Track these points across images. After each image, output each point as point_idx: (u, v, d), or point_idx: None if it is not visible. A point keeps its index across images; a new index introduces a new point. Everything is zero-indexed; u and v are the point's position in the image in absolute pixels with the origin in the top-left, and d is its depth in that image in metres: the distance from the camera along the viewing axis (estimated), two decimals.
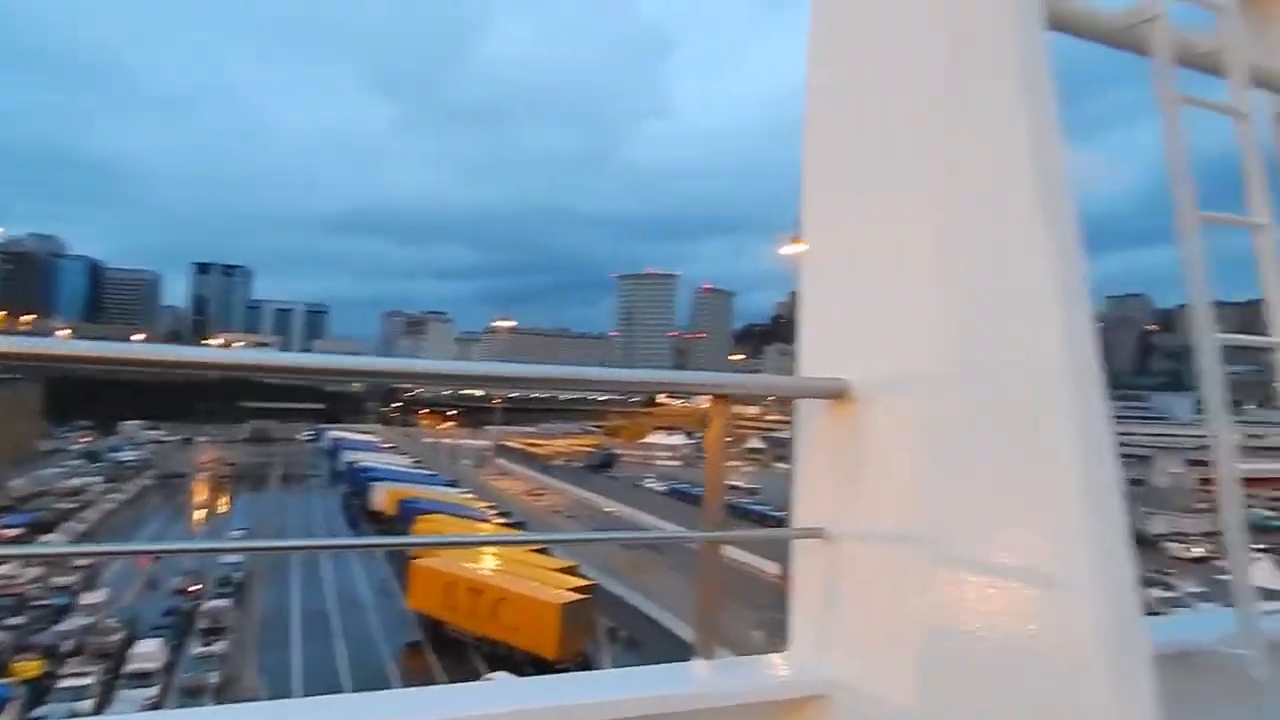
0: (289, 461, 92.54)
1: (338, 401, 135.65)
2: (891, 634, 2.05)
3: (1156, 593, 39.00)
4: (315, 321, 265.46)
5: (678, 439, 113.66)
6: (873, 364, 2.22)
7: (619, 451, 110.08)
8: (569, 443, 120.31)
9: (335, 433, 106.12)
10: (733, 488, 71.55)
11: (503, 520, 54.89)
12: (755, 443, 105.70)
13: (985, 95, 2.03)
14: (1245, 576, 2.17)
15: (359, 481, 66.05)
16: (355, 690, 2.14)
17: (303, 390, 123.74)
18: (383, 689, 2.07)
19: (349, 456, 79.46)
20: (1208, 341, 2.22)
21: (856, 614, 2.18)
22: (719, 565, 2.32)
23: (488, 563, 37.92)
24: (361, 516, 59.92)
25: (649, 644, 33.03)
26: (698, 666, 2.16)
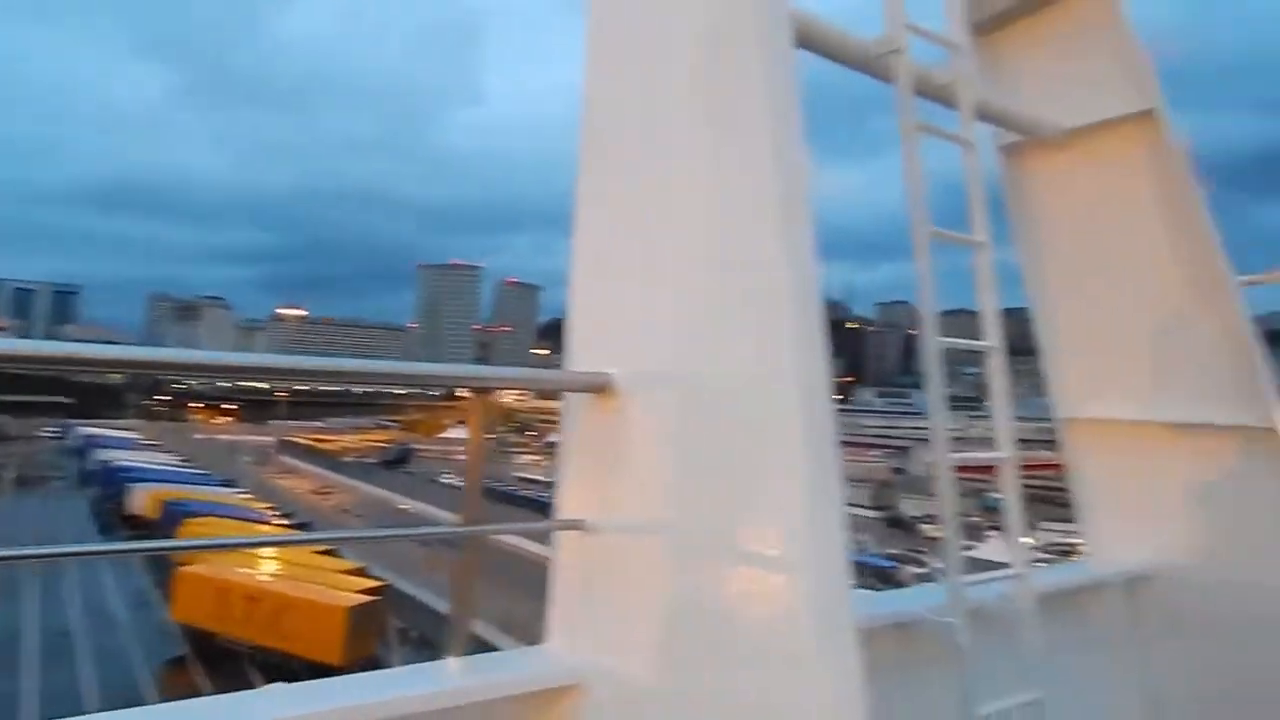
0: (25, 462, 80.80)
1: (89, 395, 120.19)
2: (644, 621, 2.13)
3: (911, 569, 43.55)
4: (64, 304, 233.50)
5: None
6: (634, 359, 2.29)
7: (416, 446, 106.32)
8: (362, 438, 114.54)
9: (86, 429, 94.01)
10: (532, 482, 71.51)
11: (285, 521, 51.21)
12: (556, 438, 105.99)
13: (735, 107, 2.13)
14: (955, 552, 2.46)
15: (114, 483, 58.87)
16: None
17: (45, 382, 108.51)
18: None
19: (102, 455, 70.69)
20: (931, 345, 2.49)
21: (612, 603, 2.25)
22: (475, 560, 2.29)
23: (267, 567, 35.27)
24: (117, 522, 53.52)
25: (444, 643, 32.17)
26: (449, 664, 2.13)
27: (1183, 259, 3.44)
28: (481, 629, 30.87)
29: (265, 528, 46.96)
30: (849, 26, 2.69)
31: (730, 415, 2.04)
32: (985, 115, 3.31)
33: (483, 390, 2.27)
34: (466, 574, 2.31)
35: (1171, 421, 3.53)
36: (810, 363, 1.92)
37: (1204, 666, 3.40)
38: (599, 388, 2.32)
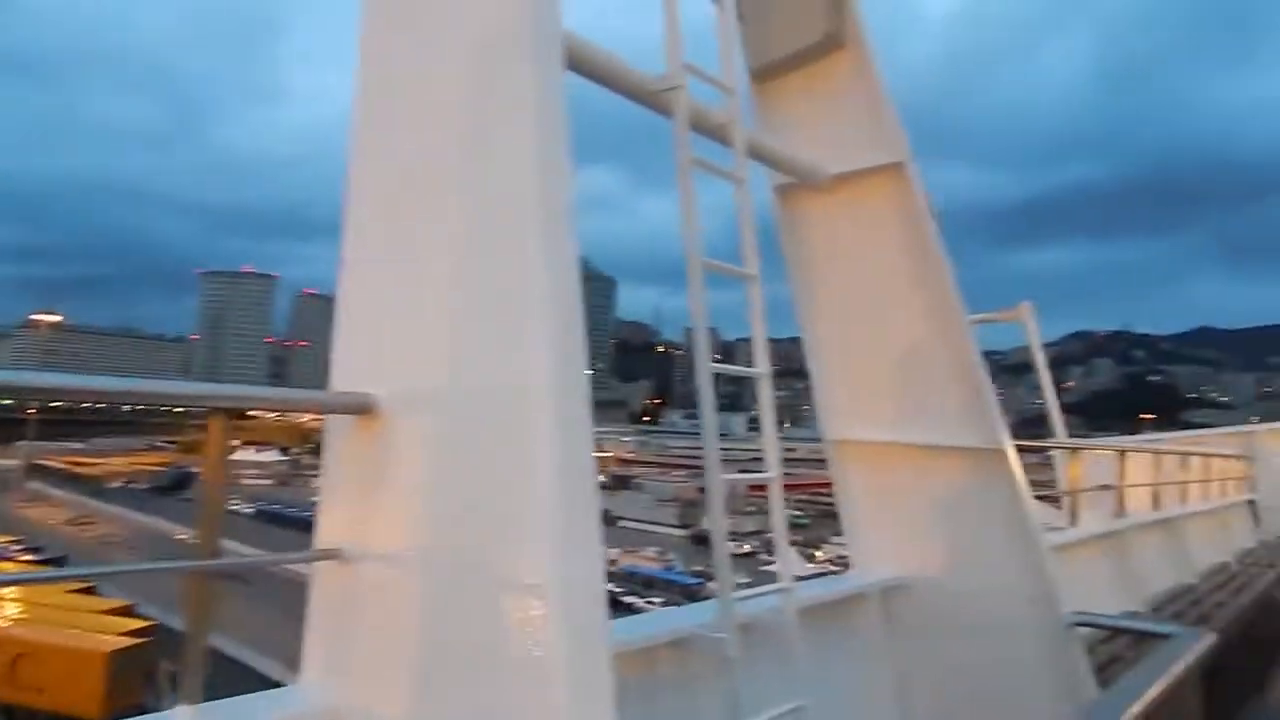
0: None
1: None
2: (400, 654, 2.05)
3: (712, 585, 45.30)
4: None
5: (270, 455, 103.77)
6: (399, 380, 2.20)
7: (196, 470, 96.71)
8: (131, 460, 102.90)
9: None
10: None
11: (32, 557, 44.89)
12: None
13: (500, 120, 2.11)
14: (726, 569, 2.59)
15: None
16: None
17: None
18: None
19: None
20: (704, 371, 2.61)
21: (370, 636, 2.14)
22: (211, 598, 2.08)
23: (8, 610, 30.70)
24: None
25: (224, 686, 29.27)
26: (179, 714, 1.93)
27: (923, 298, 3.89)
28: (270, 668, 28.50)
29: (5, 565, 40.92)
30: (631, 60, 2.77)
31: (489, 438, 1.98)
32: (759, 156, 3.55)
33: (224, 411, 2.03)
34: (201, 611, 2.06)
35: (917, 443, 3.96)
36: (570, 384, 1.90)
37: (948, 666, 3.81)
38: (362, 409, 2.19)
